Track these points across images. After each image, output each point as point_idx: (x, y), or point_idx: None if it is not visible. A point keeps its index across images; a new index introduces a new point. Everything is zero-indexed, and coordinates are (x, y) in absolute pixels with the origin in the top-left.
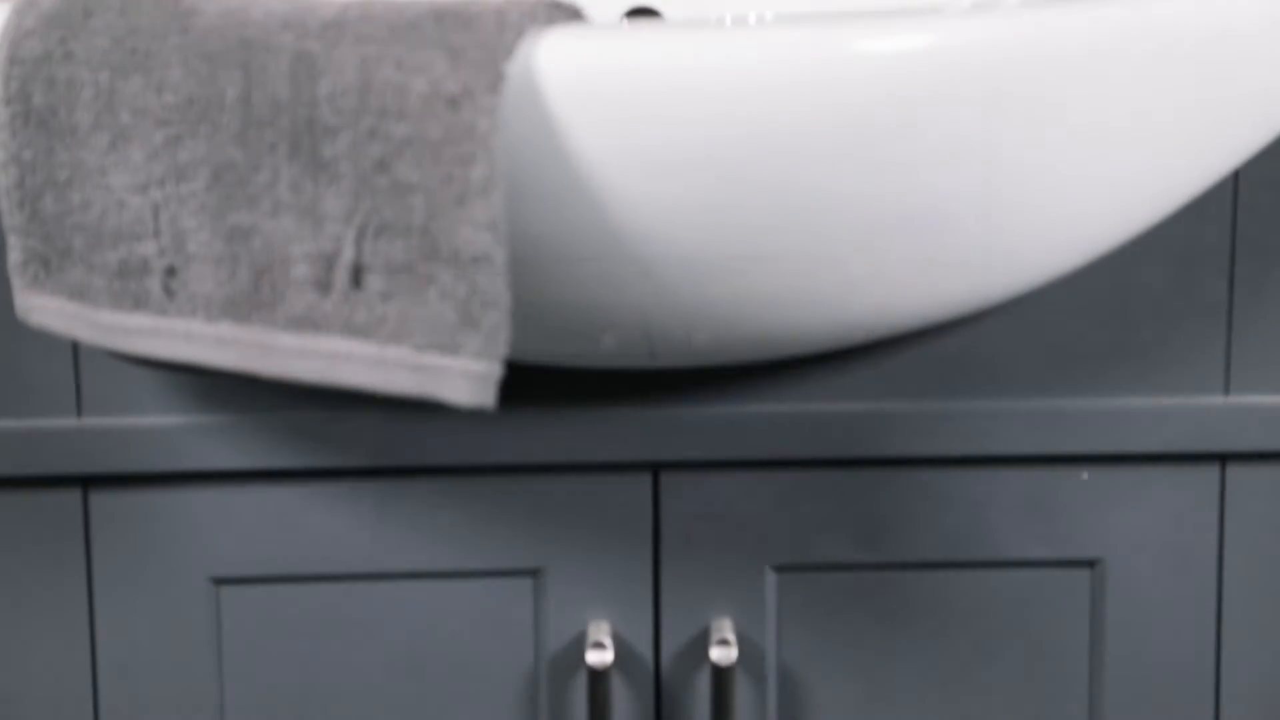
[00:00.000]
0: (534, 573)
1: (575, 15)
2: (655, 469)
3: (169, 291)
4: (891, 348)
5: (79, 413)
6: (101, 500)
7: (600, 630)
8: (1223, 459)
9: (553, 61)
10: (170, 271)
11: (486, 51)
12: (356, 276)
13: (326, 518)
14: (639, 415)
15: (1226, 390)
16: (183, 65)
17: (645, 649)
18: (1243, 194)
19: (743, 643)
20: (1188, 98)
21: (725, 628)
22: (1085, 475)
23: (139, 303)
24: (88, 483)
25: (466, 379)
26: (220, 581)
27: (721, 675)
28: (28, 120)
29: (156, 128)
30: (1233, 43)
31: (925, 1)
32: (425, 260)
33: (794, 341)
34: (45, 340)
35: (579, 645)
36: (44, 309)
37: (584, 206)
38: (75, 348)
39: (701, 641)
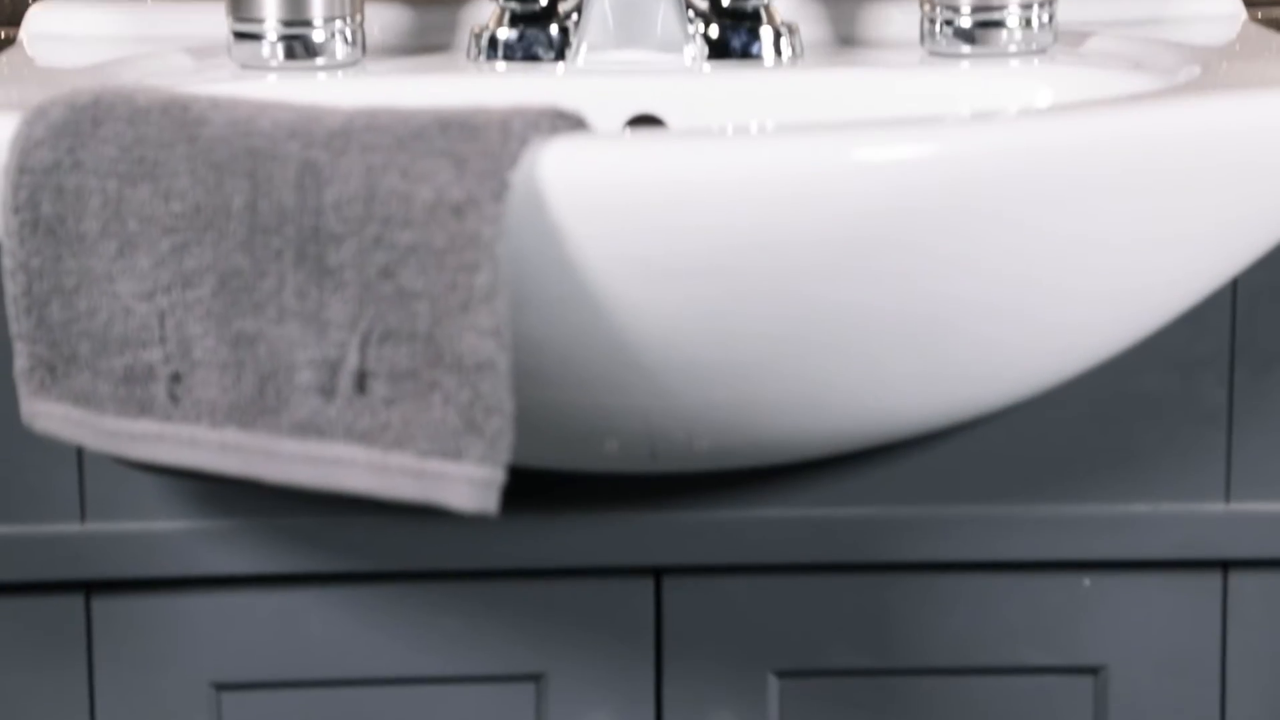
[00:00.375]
0: (536, 677)
1: (579, 124)
2: (657, 573)
3: (174, 397)
4: (893, 452)
5: (82, 518)
6: (104, 605)
7: None
8: (1224, 566)
9: (557, 170)
10: (175, 378)
11: (491, 160)
12: (360, 382)
13: (328, 623)
14: (641, 519)
15: (1227, 498)
16: (190, 174)
17: None
18: (1241, 301)
19: None
20: (1186, 207)
21: None
22: (1087, 582)
23: (144, 409)
24: (90, 588)
25: (469, 485)
26: (222, 687)
27: None
28: (36, 228)
29: (163, 235)
30: (1231, 152)
31: (926, 109)
32: (429, 366)
33: (796, 446)
34: (49, 445)
35: None
36: (49, 415)
37: (587, 313)
38: (79, 453)
39: None
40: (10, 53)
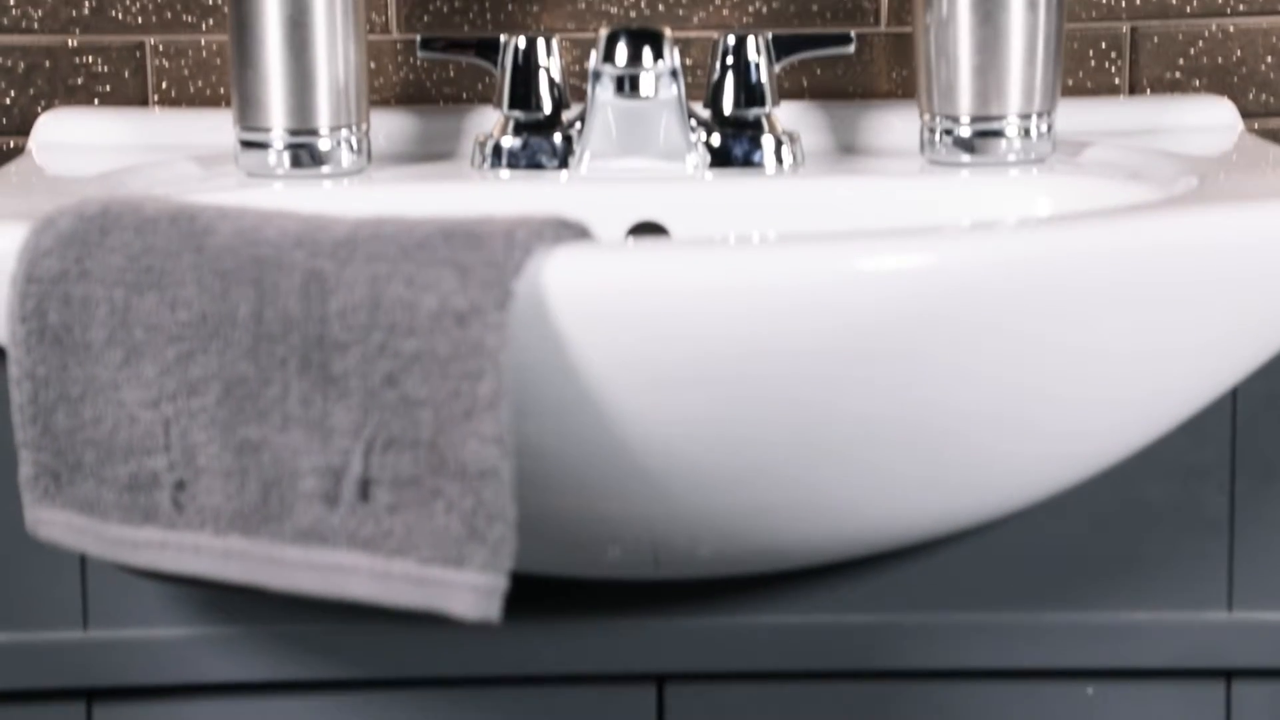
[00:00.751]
0: None
1: (583, 233)
2: (660, 680)
3: (178, 505)
4: (896, 559)
5: (85, 625)
6: (105, 714)
7: None
8: (1228, 675)
9: (560, 279)
10: (180, 485)
11: (495, 269)
12: (364, 490)
13: None
14: (643, 626)
15: (1230, 606)
16: (196, 282)
17: None
18: (1241, 411)
19: None
20: (1186, 317)
21: None
22: (1090, 690)
23: (148, 516)
24: (92, 696)
25: (472, 592)
26: None
27: None
28: (43, 337)
29: (169, 344)
30: (1229, 263)
31: (926, 218)
32: (432, 474)
33: (799, 552)
34: (52, 552)
35: None
36: (53, 523)
37: (590, 419)
38: (82, 560)
39: None
40: (19, 161)
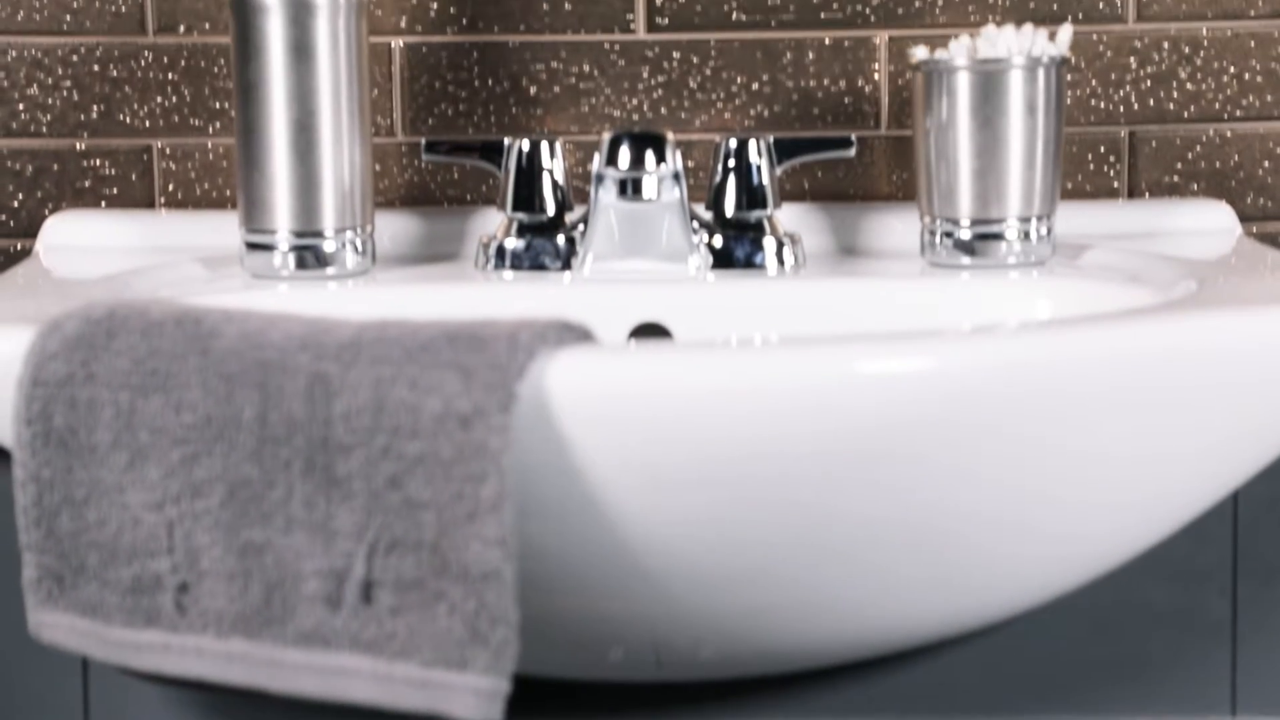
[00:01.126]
0: None
1: (585, 336)
2: None
3: (181, 608)
4: (899, 662)
5: None
6: None
7: None
8: None
9: (563, 381)
10: (183, 588)
11: (498, 372)
12: (366, 592)
13: None
14: None
15: (1233, 710)
16: (202, 386)
17: None
18: (1243, 514)
19: None
20: (1185, 421)
21: None
22: None
23: (151, 619)
24: None
25: (474, 695)
26: None
27: None
28: (48, 440)
29: (174, 446)
30: (1229, 368)
31: (927, 321)
32: (435, 576)
33: (801, 655)
34: (55, 654)
35: None
36: (56, 626)
37: (592, 521)
38: (84, 662)
39: None
40: (26, 264)
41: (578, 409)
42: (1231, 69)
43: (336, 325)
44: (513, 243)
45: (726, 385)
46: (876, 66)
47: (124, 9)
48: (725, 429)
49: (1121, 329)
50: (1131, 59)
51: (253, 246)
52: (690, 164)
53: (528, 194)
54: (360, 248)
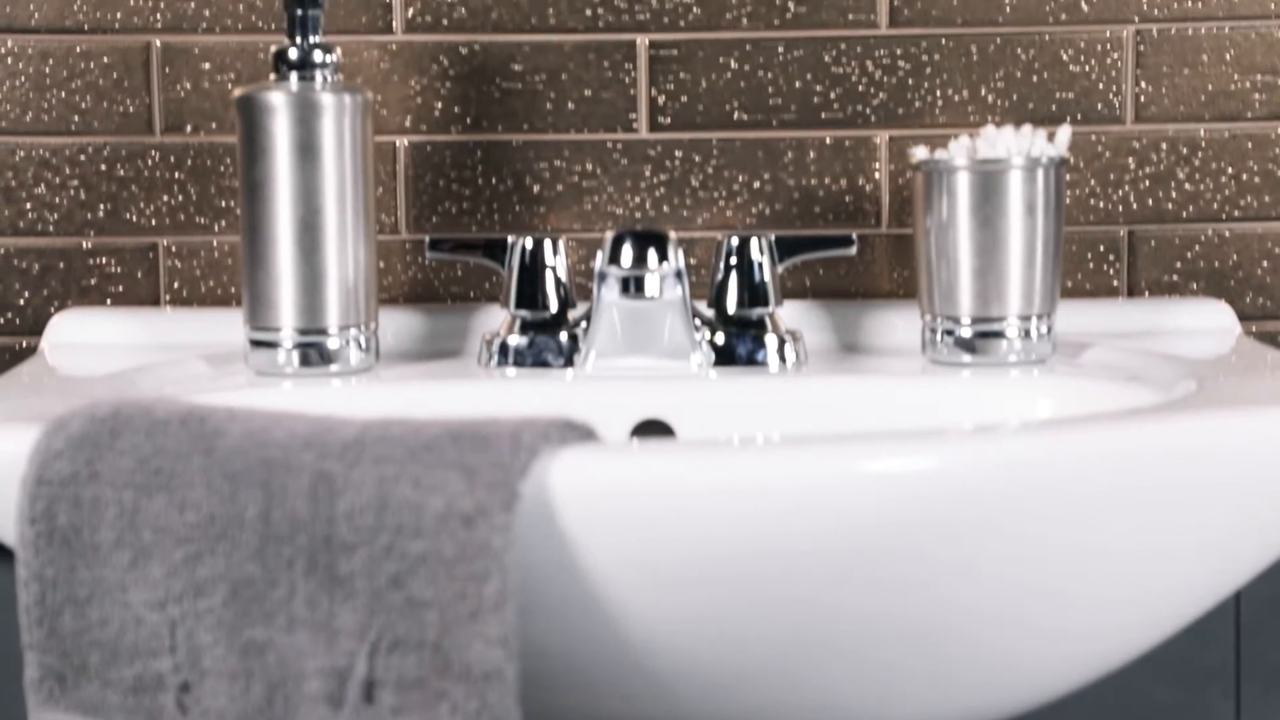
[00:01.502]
0: None
1: (588, 435)
2: None
3: (182, 707)
4: None
5: None
6: None
7: None
8: None
9: (565, 480)
10: (184, 688)
11: (501, 471)
12: (369, 692)
13: None
14: None
15: None
16: (205, 484)
17: None
18: (1245, 615)
19: None
20: (1186, 520)
21: None
22: None
23: (152, 719)
24: None
25: None
26: None
27: None
28: (51, 539)
29: (177, 545)
30: (1229, 467)
31: (928, 419)
32: (437, 676)
33: None
34: None
35: None
36: None
37: (594, 620)
38: None
39: None
40: (31, 362)
41: (580, 508)
42: (1229, 170)
43: (340, 424)
44: (516, 340)
45: (729, 484)
46: (877, 165)
47: (132, 109)
48: (728, 527)
49: (1122, 429)
50: (1130, 159)
51: (257, 344)
52: (692, 261)
53: (531, 291)
54: (364, 345)
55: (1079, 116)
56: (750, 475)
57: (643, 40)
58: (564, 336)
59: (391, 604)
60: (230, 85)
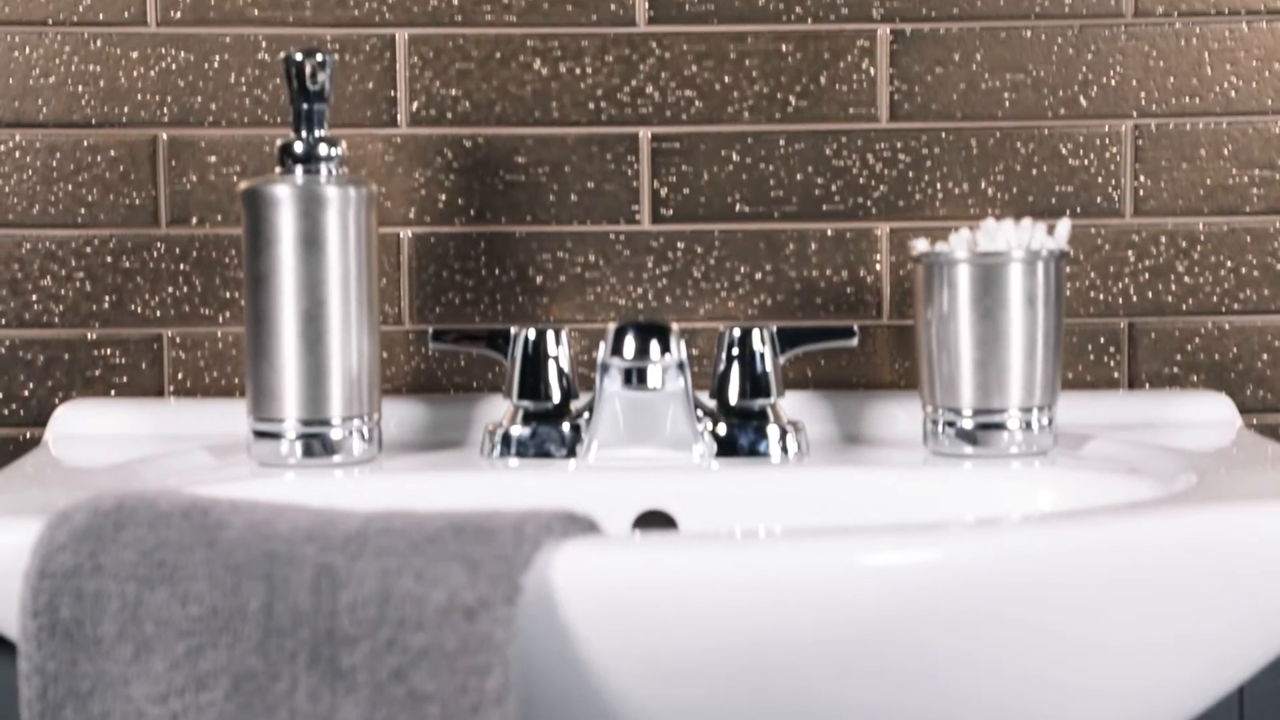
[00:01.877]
0: None
1: (591, 527)
2: None
3: None
4: None
5: None
6: None
7: None
8: None
9: (568, 573)
10: None
11: (504, 564)
12: None
13: None
14: None
15: None
16: (208, 577)
17: None
18: (1249, 709)
19: None
20: (1187, 613)
21: None
22: None
23: None
24: None
25: None
26: None
27: None
28: (54, 632)
29: (179, 638)
30: (1229, 562)
31: (930, 511)
32: None
33: None
34: None
35: None
36: None
37: (597, 712)
38: None
39: None
40: (35, 454)
41: (583, 600)
42: (1229, 263)
43: (343, 516)
44: (518, 430)
45: (731, 577)
46: (878, 257)
47: (138, 201)
48: (730, 620)
49: (1123, 522)
50: (1130, 252)
51: (260, 434)
52: (694, 351)
53: (533, 382)
54: (367, 435)
55: (1078, 209)
56: (753, 568)
57: (645, 133)
58: (566, 427)
59: (394, 698)
60: (236, 178)
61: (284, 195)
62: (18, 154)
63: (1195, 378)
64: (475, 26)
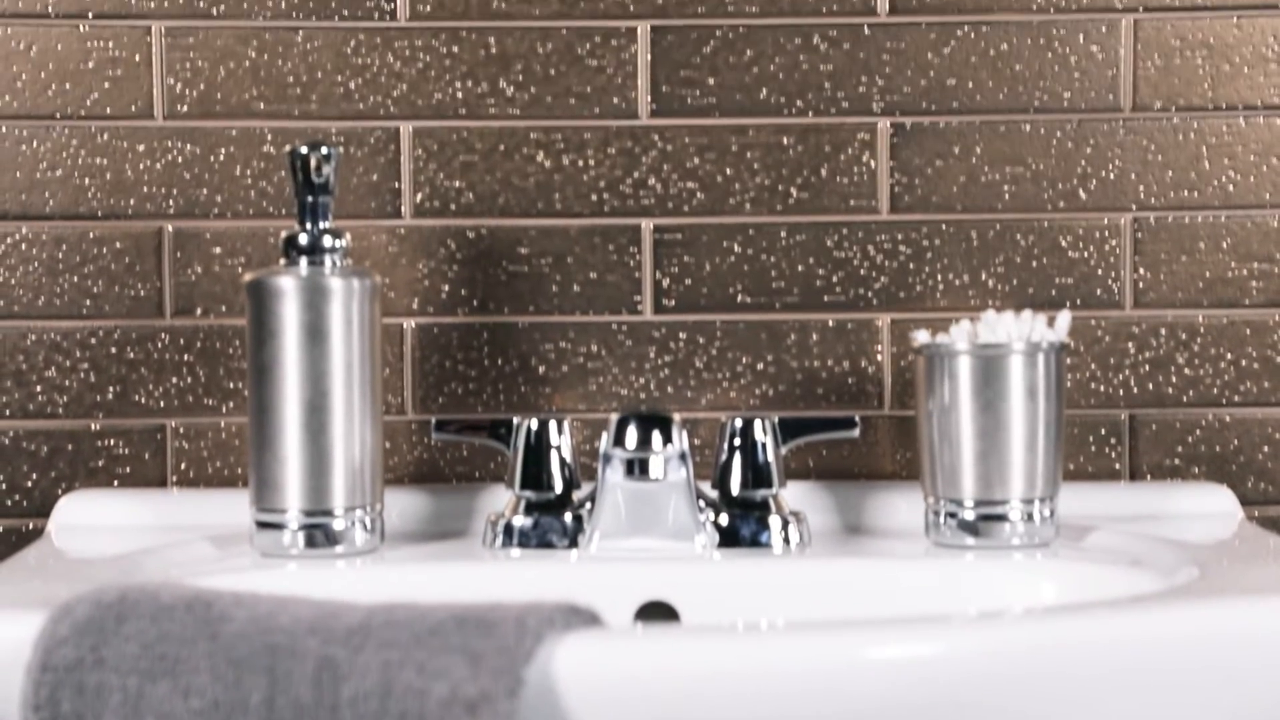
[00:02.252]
0: None
1: (593, 620)
2: None
3: None
4: None
5: None
6: None
7: None
8: None
9: (570, 666)
10: None
11: (506, 657)
12: None
13: None
14: None
15: None
16: (210, 670)
17: None
18: None
19: None
20: (1190, 704)
21: None
22: None
23: None
24: None
25: None
26: None
27: None
28: None
29: None
30: (1231, 655)
31: (932, 602)
32: None
33: None
34: None
35: None
36: None
37: None
38: None
39: None
40: (38, 545)
41: (585, 692)
42: (1229, 355)
43: (346, 609)
44: (520, 520)
45: (734, 669)
46: (879, 348)
47: (143, 293)
48: (733, 712)
49: (1125, 615)
50: (1130, 344)
51: (263, 525)
52: (696, 441)
53: (536, 472)
54: (369, 526)
55: (1078, 301)
56: (755, 660)
57: (647, 224)
58: (568, 517)
59: None
60: (241, 269)
61: (288, 286)
62: (24, 246)
63: (1196, 469)
64: (479, 119)
